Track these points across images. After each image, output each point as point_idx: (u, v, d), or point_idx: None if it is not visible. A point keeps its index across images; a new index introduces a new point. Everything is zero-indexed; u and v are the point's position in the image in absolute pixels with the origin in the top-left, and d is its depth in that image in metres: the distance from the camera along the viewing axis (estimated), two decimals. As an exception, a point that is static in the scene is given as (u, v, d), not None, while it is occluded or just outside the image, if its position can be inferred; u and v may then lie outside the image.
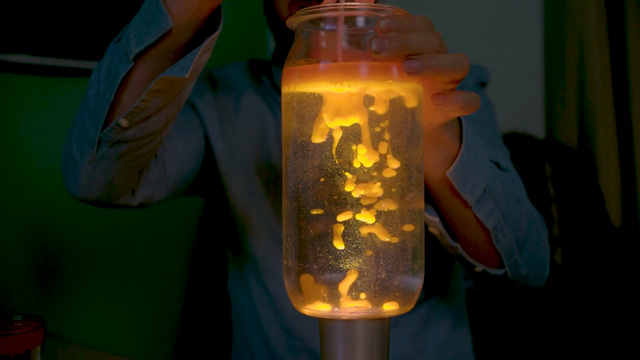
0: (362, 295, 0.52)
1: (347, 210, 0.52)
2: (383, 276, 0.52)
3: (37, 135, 1.19)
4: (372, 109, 0.52)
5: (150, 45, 0.69)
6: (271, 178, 1.01)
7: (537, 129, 1.56)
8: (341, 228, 0.52)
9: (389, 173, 0.53)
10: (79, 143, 0.80)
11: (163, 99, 0.73)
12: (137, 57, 0.70)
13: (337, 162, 0.52)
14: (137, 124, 0.74)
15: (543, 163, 1.41)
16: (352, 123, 0.52)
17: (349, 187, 0.52)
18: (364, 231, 0.52)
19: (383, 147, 0.52)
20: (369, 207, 0.52)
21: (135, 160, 0.82)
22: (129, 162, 0.81)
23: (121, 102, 0.74)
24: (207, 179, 1.05)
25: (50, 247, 1.21)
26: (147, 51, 0.70)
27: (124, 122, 0.74)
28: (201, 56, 0.69)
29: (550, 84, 1.55)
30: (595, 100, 1.46)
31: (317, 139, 0.52)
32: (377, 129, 0.52)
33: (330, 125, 0.52)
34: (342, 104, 0.52)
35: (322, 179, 0.52)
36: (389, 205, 0.52)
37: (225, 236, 1.12)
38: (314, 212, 0.53)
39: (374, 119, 0.52)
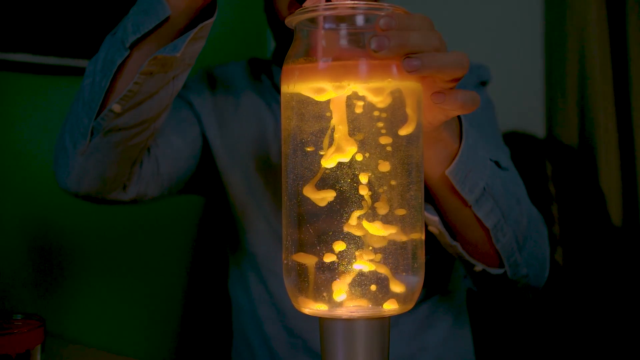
0: (362, 294, 0.52)
1: (347, 208, 0.52)
2: (383, 275, 0.52)
3: (38, 134, 1.19)
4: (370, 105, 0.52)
5: (146, 34, 0.71)
6: (270, 176, 1.01)
7: (538, 128, 1.56)
8: (341, 226, 0.52)
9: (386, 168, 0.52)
10: (72, 134, 0.80)
11: (155, 83, 0.73)
12: (134, 45, 0.72)
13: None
14: (130, 109, 0.75)
15: (544, 162, 1.41)
16: (352, 154, 0.51)
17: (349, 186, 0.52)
18: (364, 230, 0.52)
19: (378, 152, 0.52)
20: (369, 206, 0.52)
21: (127, 151, 0.82)
22: (121, 154, 0.81)
23: (115, 89, 0.75)
24: (206, 177, 1.05)
25: (50, 247, 1.21)
26: (144, 39, 0.71)
27: (117, 108, 0.74)
28: (194, 42, 0.70)
29: (551, 82, 1.55)
30: (596, 99, 1.46)
31: (326, 196, 0.52)
32: (376, 128, 0.52)
33: (326, 164, 0.52)
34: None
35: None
36: (390, 202, 0.52)
37: (225, 235, 1.12)
38: (314, 210, 0.53)
39: (372, 117, 0.52)
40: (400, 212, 0.53)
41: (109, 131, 0.77)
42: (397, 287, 0.53)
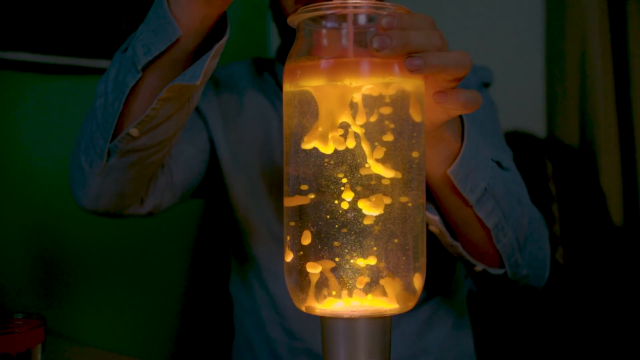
0: (364, 293, 0.52)
1: (348, 207, 0.52)
2: (384, 274, 0.52)
3: (38, 134, 1.19)
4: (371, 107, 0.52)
5: (158, 55, 0.69)
6: (274, 180, 1.00)
7: (539, 128, 1.55)
8: (342, 226, 0.52)
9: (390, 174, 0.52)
10: (88, 154, 0.79)
11: (173, 106, 0.72)
12: (146, 67, 0.70)
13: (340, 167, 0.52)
14: (147, 132, 0.74)
15: (544, 162, 1.41)
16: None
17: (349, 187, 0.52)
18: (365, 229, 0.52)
19: (380, 151, 0.52)
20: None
21: (145, 169, 0.81)
22: (139, 172, 0.81)
23: (130, 112, 0.74)
24: (210, 180, 1.04)
25: (51, 246, 1.21)
26: (155, 61, 0.69)
27: (134, 132, 0.73)
28: (210, 62, 0.68)
29: (552, 82, 1.55)
30: (597, 99, 1.46)
31: (334, 143, 0.52)
32: (378, 128, 0.52)
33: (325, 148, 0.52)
34: (335, 104, 0.52)
35: (323, 179, 0.52)
36: (389, 201, 0.52)
37: (227, 237, 1.11)
38: (314, 209, 0.53)
39: (373, 116, 0.52)
40: (402, 211, 0.53)
41: (126, 152, 0.76)
42: (398, 287, 0.53)
